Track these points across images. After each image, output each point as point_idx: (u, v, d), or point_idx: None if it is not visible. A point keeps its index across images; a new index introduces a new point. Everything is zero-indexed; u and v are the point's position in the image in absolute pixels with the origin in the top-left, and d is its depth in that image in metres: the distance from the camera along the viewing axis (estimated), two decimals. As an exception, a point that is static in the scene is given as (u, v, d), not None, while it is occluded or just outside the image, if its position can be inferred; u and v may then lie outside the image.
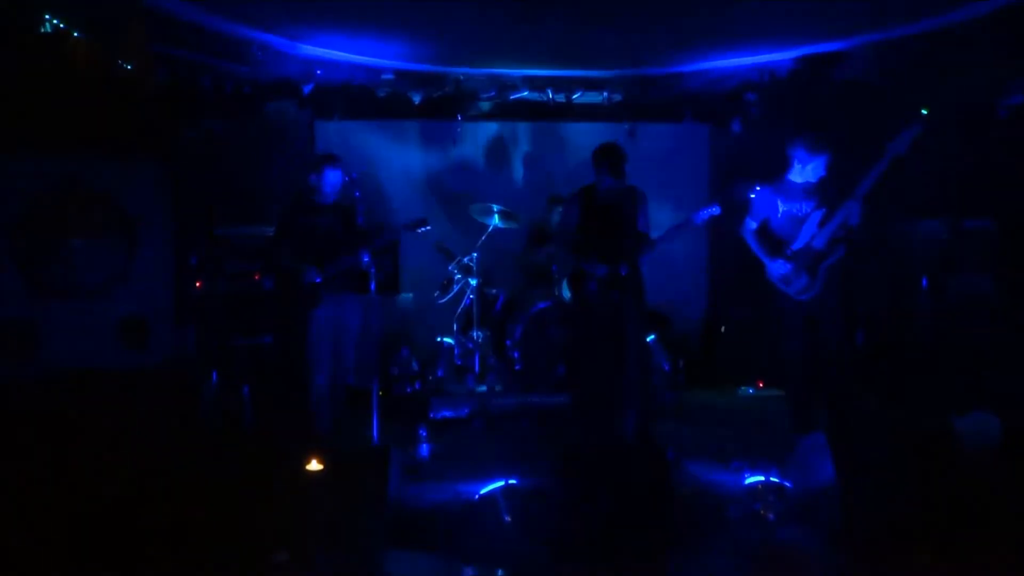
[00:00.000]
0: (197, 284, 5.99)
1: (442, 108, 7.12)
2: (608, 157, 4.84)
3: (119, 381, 3.41)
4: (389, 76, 6.51)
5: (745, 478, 3.96)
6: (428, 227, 5.07)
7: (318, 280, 4.73)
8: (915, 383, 6.01)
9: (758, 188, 4.88)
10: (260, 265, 5.98)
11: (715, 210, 4.72)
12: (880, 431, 4.31)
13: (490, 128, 7.70)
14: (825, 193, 4.68)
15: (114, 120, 3.47)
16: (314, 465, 3.32)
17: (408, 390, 5.84)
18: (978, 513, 3.41)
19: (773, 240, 4.82)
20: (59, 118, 3.37)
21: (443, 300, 7.21)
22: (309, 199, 4.97)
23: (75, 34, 4.09)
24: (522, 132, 7.79)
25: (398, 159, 7.60)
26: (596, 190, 4.95)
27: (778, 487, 3.80)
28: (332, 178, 4.90)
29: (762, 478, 3.85)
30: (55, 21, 4.18)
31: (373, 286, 6.53)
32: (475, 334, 6.62)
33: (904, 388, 6.07)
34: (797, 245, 4.71)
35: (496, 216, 7.10)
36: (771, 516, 3.59)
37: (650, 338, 5.87)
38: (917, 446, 3.59)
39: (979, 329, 5.61)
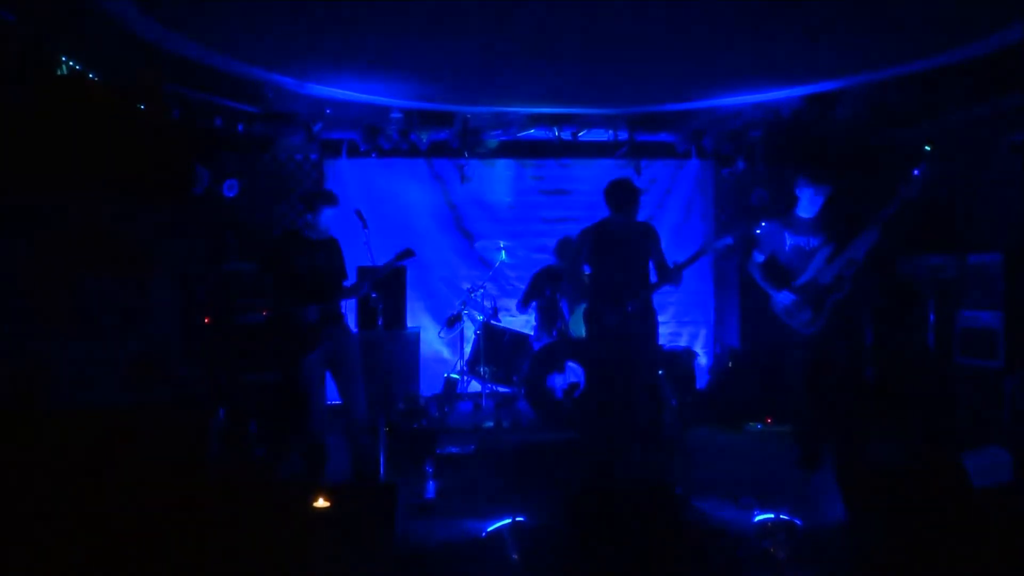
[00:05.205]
0: (206, 320, 6.02)
1: (449, 146, 7.20)
2: (620, 194, 4.88)
3: (129, 418, 3.41)
4: (398, 115, 6.59)
5: (754, 516, 3.93)
6: (414, 255, 4.96)
7: (316, 318, 4.55)
8: (924, 418, 5.97)
9: (765, 223, 4.94)
10: (268, 301, 6.00)
11: (729, 240, 4.88)
12: (889, 467, 4.27)
13: (497, 165, 7.79)
14: (833, 228, 4.70)
15: (127, 158, 3.53)
16: (321, 502, 3.32)
17: (415, 426, 5.82)
18: (990, 550, 3.37)
19: (780, 272, 4.85)
20: (73, 156, 3.44)
21: (450, 335, 7.25)
22: (303, 236, 4.71)
23: (91, 75, 4.20)
24: (529, 169, 7.88)
25: (406, 196, 7.69)
26: (608, 226, 4.97)
27: (788, 525, 3.76)
28: (328, 217, 4.67)
29: (772, 516, 3.82)
30: (72, 63, 4.30)
31: (380, 321, 6.57)
32: (482, 369, 6.62)
33: (913, 423, 6.02)
34: (803, 279, 4.73)
35: (503, 252, 7.16)
36: (781, 555, 3.55)
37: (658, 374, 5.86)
38: (927, 482, 3.55)
39: (988, 363, 5.59)
